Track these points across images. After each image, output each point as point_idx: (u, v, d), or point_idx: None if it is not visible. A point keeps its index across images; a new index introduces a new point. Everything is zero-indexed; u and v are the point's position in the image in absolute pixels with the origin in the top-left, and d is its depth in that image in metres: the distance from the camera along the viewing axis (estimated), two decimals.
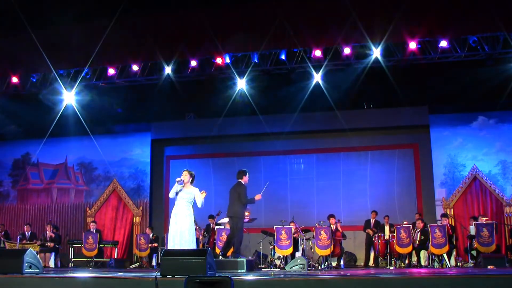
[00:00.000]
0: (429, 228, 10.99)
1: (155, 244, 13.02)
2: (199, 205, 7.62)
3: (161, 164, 15.13)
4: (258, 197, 8.94)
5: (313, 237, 11.21)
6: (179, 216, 7.54)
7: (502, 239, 11.98)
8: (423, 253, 11.28)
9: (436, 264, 10.99)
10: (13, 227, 14.75)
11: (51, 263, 12.87)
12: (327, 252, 10.98)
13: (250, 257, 11.51)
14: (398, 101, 13.32)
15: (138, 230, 14.27)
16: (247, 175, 9.03)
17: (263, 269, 10.54)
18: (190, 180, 7.69)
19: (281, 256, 11.26)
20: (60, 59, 12.13)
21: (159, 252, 12.45)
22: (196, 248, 7.87)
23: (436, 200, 13.11)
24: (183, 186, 7.64)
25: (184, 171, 7.74)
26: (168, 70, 12.23)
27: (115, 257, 13.32)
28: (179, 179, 7.62)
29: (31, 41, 11.88)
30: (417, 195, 13.67)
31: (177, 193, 7.65)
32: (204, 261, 6.01)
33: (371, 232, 12.10)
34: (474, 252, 11.23)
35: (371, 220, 12.34)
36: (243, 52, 11.75)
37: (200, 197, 7.60)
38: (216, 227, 11.99)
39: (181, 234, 7.45)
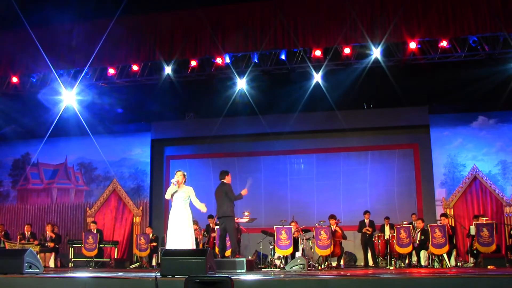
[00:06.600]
0: (429, 228, 10.98)
1: (155, 244, 13.02)
2: (194, 203, 7.73)
3: (161, 164, 15.12)
4: (244, 192, 9.11)
5: (313, 237, 11.20)
6: (177, 216, 7.67)
7: (502, 239, 11.98)
8: (423, 253, 11.26)
9: (436, 264, 10.97)
10: (13, 227, 14.74)
11: (51, 263, 12.86)
12: (327, 252, 10.97)
13: (250, 257, 11.50)
14: (398, 101, 13.31)
15: (138, 230, 14.27)
16: (229, 174, 9.28)
17: (263, 269, 10.53)
18: (183, 181, 7.84)
19: (281, 256, 11.24)
20: (60, 59, 12.13)
21: (159, 252, 12.45)
22: (196, 248, 7.91)
23: (436, 200, 13.12)
24: (178, 187, 7.78)
25: (177, 172, 7.90)
26: (168, 70, 12.25)
27: (115, 257, 13.31)
28: (174, 180, 7.79)
29: (31, 41, 11.89)
30: (417, 195, 13.67)
31: (172, 195, 7.80)
32: (204, 261, 6.01)
33: (368, 231, 12.03)
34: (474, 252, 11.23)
35: (365, 220, 12.26)
36: (243, 52, 11.74)
37: (194, 195, 7.78)
38: (216, 227, 11.96)
39: (181, 233, 7.55)
